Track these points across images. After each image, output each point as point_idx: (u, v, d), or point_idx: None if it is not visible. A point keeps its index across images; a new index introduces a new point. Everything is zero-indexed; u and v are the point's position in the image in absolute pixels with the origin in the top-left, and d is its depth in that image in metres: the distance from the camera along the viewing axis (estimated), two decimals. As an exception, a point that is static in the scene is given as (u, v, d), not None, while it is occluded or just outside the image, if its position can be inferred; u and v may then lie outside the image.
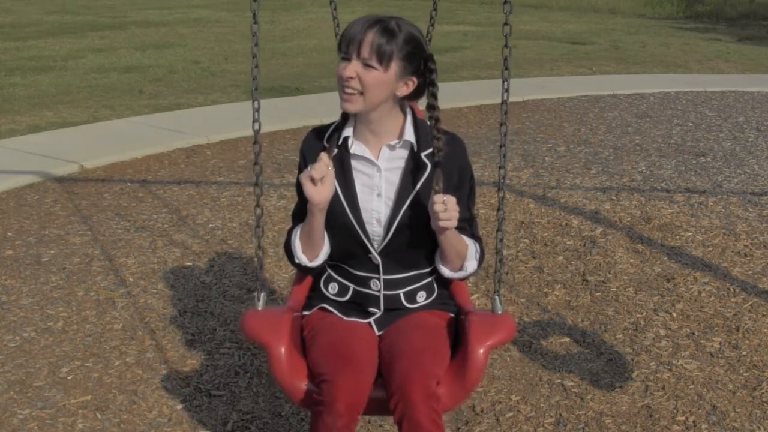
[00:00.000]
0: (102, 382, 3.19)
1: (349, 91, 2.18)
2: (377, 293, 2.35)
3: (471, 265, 2.34)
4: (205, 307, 3.82)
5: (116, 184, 5.59)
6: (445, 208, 2.13)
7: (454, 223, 2.16)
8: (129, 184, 5.60)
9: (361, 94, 2.18)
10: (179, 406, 3.05)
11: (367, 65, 2.15)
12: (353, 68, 2.16)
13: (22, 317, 3.68)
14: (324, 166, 2.17)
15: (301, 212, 2.36)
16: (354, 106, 2.20)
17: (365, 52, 2.14)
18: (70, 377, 3.22)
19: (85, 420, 2.96)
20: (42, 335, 3.53)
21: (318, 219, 2.24)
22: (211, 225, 4.81)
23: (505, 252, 4.41)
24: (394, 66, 2.18)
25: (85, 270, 4.18)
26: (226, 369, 3.31)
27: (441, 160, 2.25)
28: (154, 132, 6.93)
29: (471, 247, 2.34)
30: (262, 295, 2.31)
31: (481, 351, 2.19)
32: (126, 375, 3.25)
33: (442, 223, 2.14)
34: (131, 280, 4.07)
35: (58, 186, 5.53)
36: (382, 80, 2.17)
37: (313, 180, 2.17)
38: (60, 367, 3.29)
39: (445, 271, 2.36)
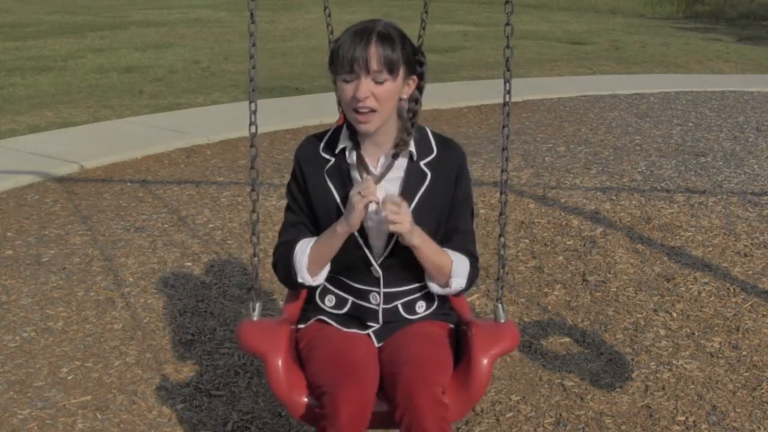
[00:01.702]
0: (102, 382, 3.19)
1: (365, 110, 2.10)
2: (376, 307, 2.29)
3: (457, 282, 2.25)
4: (205, 307, 3.82)
5: (116, 184, 5.59)
6: (398, 211, 2.08)
7: (403, 227, 2.10)
8: (129, 184, 5.60)
9: (375, 110, 2.11)
10: (179, 406, 3.05)
11: (377, 80, 2.09)
12: (367, 87, 2.09)
13: (22, 317, 3.69)
14: (373, 188, 2.11)
15: (294, 228, 2.27)
16: (372, 125, 2.14)
17: (374, 65, 2.07)
18: (70, 377, 3.22)
19: (85, 420, 2.96)
20: (42, 335, 3.53)
21: (341, 241, 2.18)
22: (211, 225, 4.81)
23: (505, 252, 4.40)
24: (401, 71, 2.13)
25: (85, 270, 4.18)
26: (226, 369, 3.30)
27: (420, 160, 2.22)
28: (154, 132, 6.93)
29: (458, 264, 2.25)
30: (257, 304, 2.25)
31: (485, 361, 2.15)
32: (126, 375, 3.25)
33: (392, 227, 2.09)
34: (131, 280, 4.07)
35: (58, 186, 5.53)
36: (394, 90, 2.13)
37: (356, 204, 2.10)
38: (60, 367, 3.29)
39: (432, 287, 2.28)
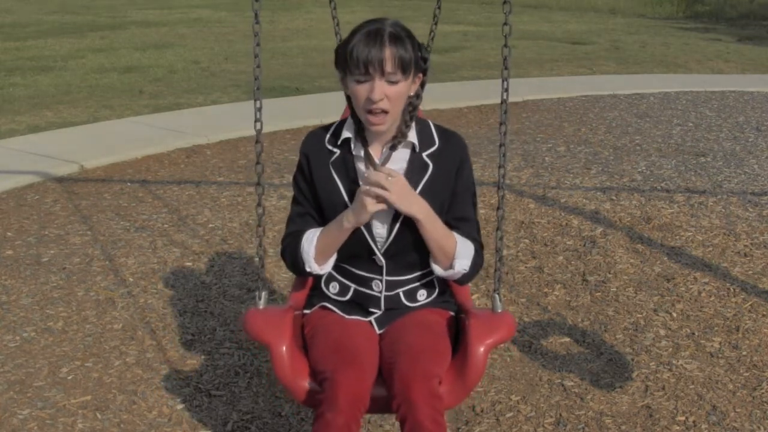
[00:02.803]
0: (102, 382, 3.20)
1: (378, 110, 2.14)
2: (378, 294, 2.34)
3: (461, 264, 2.26)
4: (205, 307, 3.82)
5: (116, 184, 5.59)
6: (387, 179, 2.13)
7: (390, 196, 2.13)
8: (129, 184, 5.60)
9: (387, 111, 2.15)
10: (179, 406, 3.05)
11: (391, 81, 2.13)
12: (381, 89, 2.12)
13: (22, 317, 3.69)
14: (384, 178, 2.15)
15: (301, 218, 2.33)
16: (385, 125, 2.19)
17: (389, 68, 2.11)
18: (70, 377, 3.22)
19: (85, 420, 2.96)
20: (42, 335, 3.53)
21: (348, 234, 2.23)
22: (211, 225, 4.81)
23: (505, 252, 4.41)
24: (412, 71, 2.18)
25: (85, 270, 4.18)
26: (226, 369, 3.31)
27: (420, 153, 2.27)
28: (154, 132, 6.93)
29: (463, 246, 2.28)
30: (263, 293, 2.31)
31: (482, 350, 2.19)
32: (126, 375, 3.25)
33: (389, 196, 2.13)
34: (131, 280, 4.07)
35: (58, 186, 5.53)
36: (405, 89, 2.17)
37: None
38: (60, 367, 3.29)
39: (436, 269, 2.31)
